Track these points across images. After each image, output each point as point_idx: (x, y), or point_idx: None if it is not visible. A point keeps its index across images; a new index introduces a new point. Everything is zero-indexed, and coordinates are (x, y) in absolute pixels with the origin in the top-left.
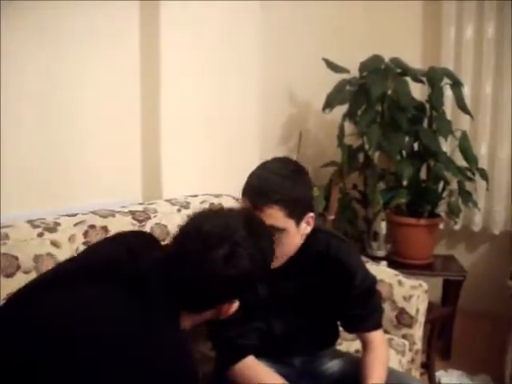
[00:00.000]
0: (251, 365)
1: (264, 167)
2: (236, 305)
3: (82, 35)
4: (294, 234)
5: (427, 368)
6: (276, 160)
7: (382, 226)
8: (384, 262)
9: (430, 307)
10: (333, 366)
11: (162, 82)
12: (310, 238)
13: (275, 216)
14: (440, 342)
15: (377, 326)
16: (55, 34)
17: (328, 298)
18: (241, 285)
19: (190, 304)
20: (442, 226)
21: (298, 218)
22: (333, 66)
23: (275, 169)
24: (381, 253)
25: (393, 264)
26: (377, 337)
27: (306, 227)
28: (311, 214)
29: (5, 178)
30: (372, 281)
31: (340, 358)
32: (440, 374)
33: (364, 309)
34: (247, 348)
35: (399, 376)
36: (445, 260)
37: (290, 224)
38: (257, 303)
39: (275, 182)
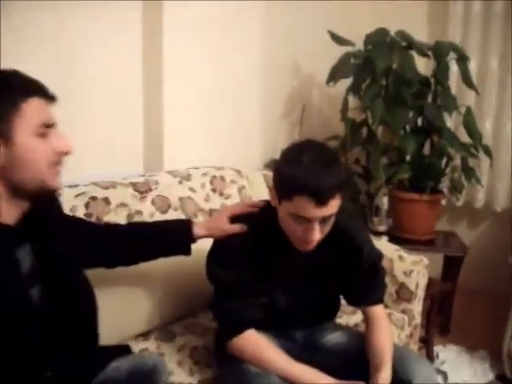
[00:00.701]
0: (252, 338)
1: (304, 161)
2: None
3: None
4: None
5: (425, 343)
6: (307, 149)
7: (384, 201)
8: (385, 237)
9: (430, 283)
10: (333, 338)
11: (165, 55)
12: None
13: (336, 204)
14: (439, 318)
15: (379, 300)
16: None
17: (334, 273)
18: None
19: None
20: (444, 202)
21: (344, 194)
22: (337, 39)
23: (317, 159)
24: (382, 228)
25: (394, 239)
26: (379, 311)
27: None
28: None
29: None
30: (378, 256)
31: (340, 331)
32: (438, 349)
33: (369, 283)
34: (249, 321)
35: (399, 350)
36: (446, 236)
37: (339, 204)
38: (261, 278)
39: (329, 173)
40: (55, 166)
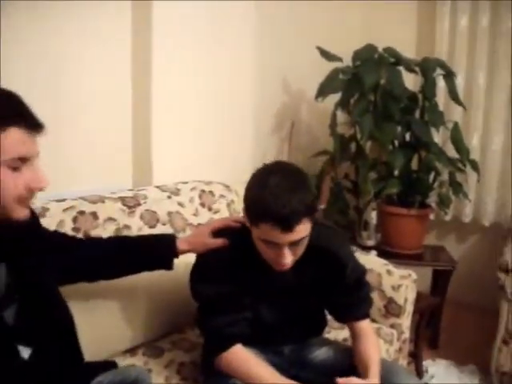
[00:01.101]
0: (239, 353)
1: (270, 185)
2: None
3: (76, 31)
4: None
5: (415, 357)
6: (275, 172)
7: (373, 216)
8: (374, 252)
9: (419, 297)
10: (321, 353)
11: (153, 69)
12: None
13: (304, 229)
14: (428, 332)
15: (365, 315)
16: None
17: (318, 288)
18: None
19: None
20: (432, 217)
21: (313, 218)
22: (326, 55)
23: (283, 184)
24: (371, 242)
25: (382, 253)
26: (365, 325)
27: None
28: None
29: None
30: (362, 271)
31: (328, 346)
32: (427, 364)
33: (354, 298)
34: (235, 337)
35: (387, 365)
36: (435, 250)
37: (310, 227)
38: (246, 293)
39: (295, 199)
40: (24, 201)
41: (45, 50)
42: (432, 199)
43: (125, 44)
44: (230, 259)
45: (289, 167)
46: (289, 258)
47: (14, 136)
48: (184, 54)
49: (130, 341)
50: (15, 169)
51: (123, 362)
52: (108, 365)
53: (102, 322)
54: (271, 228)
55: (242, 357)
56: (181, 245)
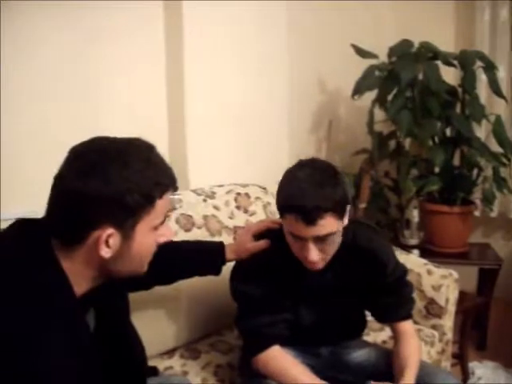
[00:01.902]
0: (277, 355)
1: (299, 178)
2: (113, 238)
3: (109, 31)
4: (340, 232)
5: (460, 359)
6: (306, 167)
7: (415, 214)
8: (416, 251)
9: (463, 297)
10: (359, 355)
11: (187, 71)
12: None
13: (329, 224)
14: (475, 333)
15: (407, 316)
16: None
17: (358, 289)
18: (96, 204)
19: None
20: (478, 214)
21: (343, 215)
22: (361, 52)
23: (312, 178)
24: (413, 241)
25: (425, 252)
26: (407, 327)
27: (346, 220)
28: (349, 206)
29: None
30: (403, 270)
31: (367, 348)
32: (474, 365)
33: (395, 299)
34: (274, 337)
35: (426, 367)
36: (480, 248)
37: (339, 224)
38: (286, 294)
39: (320, 192)
40: (151, 257)
41: (80, 59)
42: (476, 196)
43: (158, 47)
44: (271, 260)
45: (321, 163)
46: (314, 254)
47: (167, 200)
48: (217, 55)
49: (168, 343)
50: (156, 228)
51: (161, 363)
52: (149, 370)
53: (140, 324)
54: (295, 220)
55: (279, 358)
56: (229, 255)
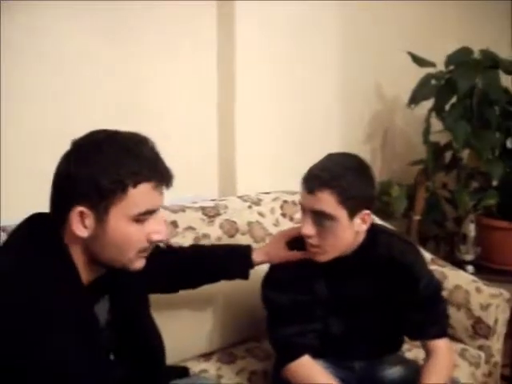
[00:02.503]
0: (306, 365)
1: (329, 157)
2: (88, 218)
3: (159, 35)
4: (345, 227)
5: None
6: (342, 153)
7: (471, 229)
8: (470, 267)
9: None
10: (394, 372)
11: (238, 79)
12: (370, 239)
13: (327, 201)
14: None
15: (441, 334)
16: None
17: (389, 302)
18: (72, 183)
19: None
20: None
21: (351, 210)
22: (417, 60)
23: (339, 160)
24: (469, 256)
25: (481, 269)
26: (440, 345)
27: (360, 224)
28: (367, 212)
29: None
30: (437, 286)
31: (402, 365)
32: None
33: (427, 315)
34: (303, 347)
35: None
36: None
37: (341, 213)
38: (315, 303)
39: (334, 170)
40: (144, 252)
41: (129, 70)
42: None
43: (210, 49)
44: (303, 269)
45: (357, 158)
46: (309, 227)
47: (144, 191)
48: (268, 63)
49: (206, 346)
50: (140, 221)
51: (197, 366)
52: (179, 371)
53: (179, 326)
54: (302, 188)
55: (308, 368)
56: (258, 256)
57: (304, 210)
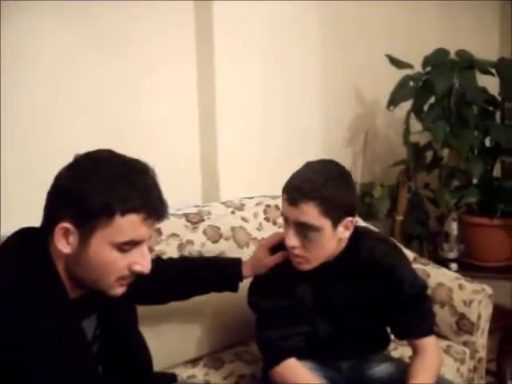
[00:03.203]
0: (293, 367)
1: (308, 166)
2: (72, 235)
3: (141, 37)
4: (329, 237)
5: (498, 377)
6: (322, 161)
7: (453, 227)
8: (454, 265)
9: (502, 313)
10: (380, 370)
11: (218, 85)
12: (353, 243)
13: (311, 213)
14: None
15: (427, 332)
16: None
17: (375, 304)
18: (63, 196)
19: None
20: None
21: (335, 219)
22: (396, 62)
23: (319, 169)
24: (452, 254)
25: (465, 266)
26: (428, 343)
27: (343, 231)
28: (350, 219)
29: None
30: (422, 286)
31: (389, 363)
32: None
33: (413, 315)
34: (289, 350)
35: (444, 382)
36: None
37: (325, 224)
38: (301, 307)
39: (316, 181)
40: (124, 281)
41: (83, 61)
42: None
43: (190, 59)
44: (286, 273)
45: (336, 165)
46: (292, 238)
47: (131, 221)
48: (248, 66)
49: (194, 351)
50: (123, 250)
51: (184, 372)
52: (168, 378)
53: (165, 332)
54: (284, 198)
55: (295, 370)
56: (245, 271)
57: (287, 221)
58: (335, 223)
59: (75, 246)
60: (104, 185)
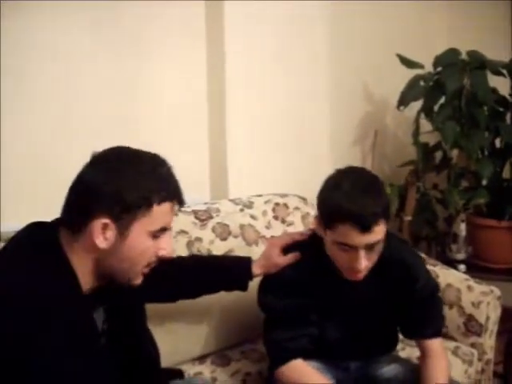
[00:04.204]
0: (299, 367)
1: (345, 187)
2: (109, 230)
3: (150, 34)
4: (384, 240)
5: (505, 379)
6: (347, 174)
7: (462, 228)
8: (462, 266)
9: (510, 315)
10: (389, 370)
11: (228, 82)
12: None
13: (381, 231)
14: None
15: (436, 333)
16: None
17: (387, 303)
18: (98, 194)
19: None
20: None
21: (388, 223)
22: (406, 62)
23: (358, 185)
24: (461, 256)
25: (473, 268)
26: (436, 345)
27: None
28: None
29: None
30: (434, 286)
31: (397, 363)
32: None
33: (424, 315)
34: (295, 351)
35: None
36: None
37: (385, 231)
38: (311, 308)
39: (371, 199)
40: (148, 267)
41: (109, 64)
42: None
43: (200, 58)
44: (299, 275)
45: (361, 171)
46: (364, 263)
47: (165, 209)
48: (258, 65)
49: (201, 349)
50: (155, 237)
51: (191, 369)
52: (174, 373)
53: (173, 329)
54: (350, 228)
55: (301, 371)
56: (255, 270)
57: (354, 247)
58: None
59: (112, 240)
60: (138, 178)
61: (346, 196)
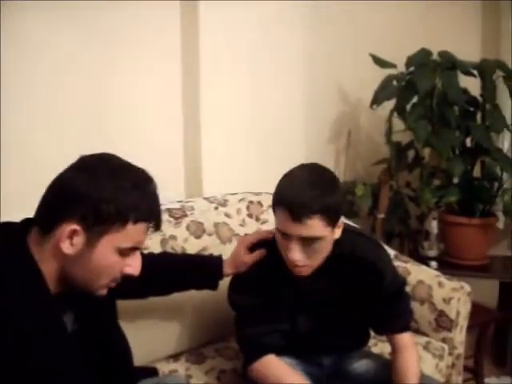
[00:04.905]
0: (271, 363)
1: (295, 176)
2: (77, 237)
3: (125, 37)
4: (329, 240)
5: (475, 374)
6: (308, 168)
7: (434, 226)
8: (434, 263)
9: (480, 310)
10: (361, 365)
11: (202, 80)
12: (336, 239)
13: (316, 226)
14: (495, 348)
15: (405, 327)
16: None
17: (355, 299)
18: (74, 198)
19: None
20: (501, 226)
21: (334, 224)
22: (379, 62)
23: (312, 179)
24: (432, 253)
25: (444, 264)
26: (405, 339)
27: (338, 231)
28: (342, 219)
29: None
30: (401, 282)
31: (369, 359)
32: (491, 381)
33: (392, 310)
34: (268, 347)
35: (426, 379)
36: (503, 261)
37: (327, 232)
38: (281, 303)
39: (315, 193)
40: (112, 282)
41: (92, 62)
42: (499, 208)
43: (174, 56)
44: (266, 270)
45: (321, 168)
46: (297, 254)
47: (139, 229)
48: (233, 65)
49: (175, 346)
50: (123, 254)
51: (166, 367)
52: (148, 371)
53: (147, 327)
54: (283, 215)
55: (274, 367)
56: (226, 269)
57: (287, 236)
58: (333, 227)
59: (79, 247)
60: (120, 192)
61: (290, 183)
